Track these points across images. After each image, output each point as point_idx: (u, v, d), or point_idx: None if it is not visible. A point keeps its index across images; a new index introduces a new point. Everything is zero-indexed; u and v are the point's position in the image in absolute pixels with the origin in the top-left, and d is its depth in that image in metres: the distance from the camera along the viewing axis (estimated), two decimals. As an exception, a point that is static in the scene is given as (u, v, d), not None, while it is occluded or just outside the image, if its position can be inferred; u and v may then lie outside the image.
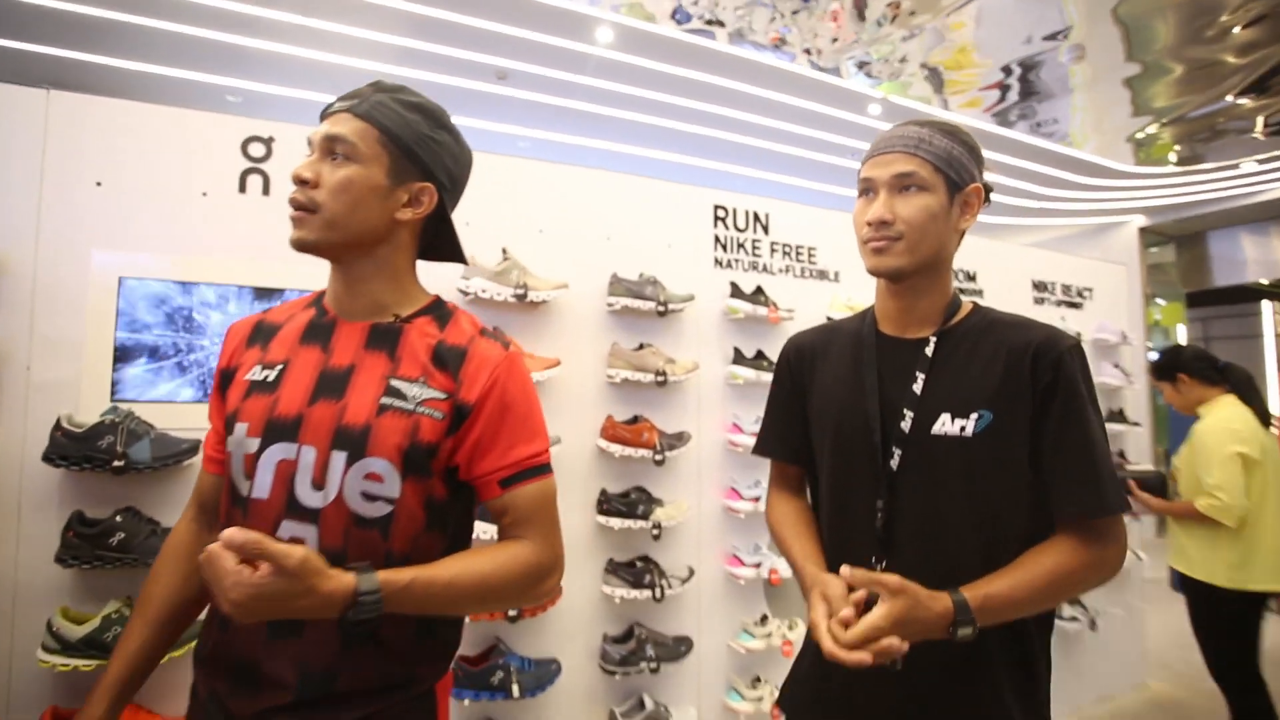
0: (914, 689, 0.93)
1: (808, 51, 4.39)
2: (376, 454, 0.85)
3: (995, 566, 0.91)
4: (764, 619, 2.29)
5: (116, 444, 1.55)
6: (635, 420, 2.12)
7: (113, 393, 1.63)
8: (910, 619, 0.81)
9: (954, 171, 0.99)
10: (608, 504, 2.06)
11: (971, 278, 3.01)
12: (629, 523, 2.05)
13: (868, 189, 1.02)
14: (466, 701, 1.81)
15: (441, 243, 1.02)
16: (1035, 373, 0.94)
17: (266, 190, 1.80)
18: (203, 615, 0.99)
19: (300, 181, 0.88)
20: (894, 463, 0.98)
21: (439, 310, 0.98)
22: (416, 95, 0.94)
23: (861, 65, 4.41)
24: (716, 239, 2.40)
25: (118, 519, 1.57)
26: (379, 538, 0.85)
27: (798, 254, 2.56)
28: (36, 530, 1.53)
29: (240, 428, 0.89)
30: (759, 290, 2.37)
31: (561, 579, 0.96)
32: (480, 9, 3.87)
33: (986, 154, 1.09)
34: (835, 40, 4.17)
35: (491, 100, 4.55)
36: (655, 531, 2.07)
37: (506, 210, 2.08)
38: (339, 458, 0.85)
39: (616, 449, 2.07)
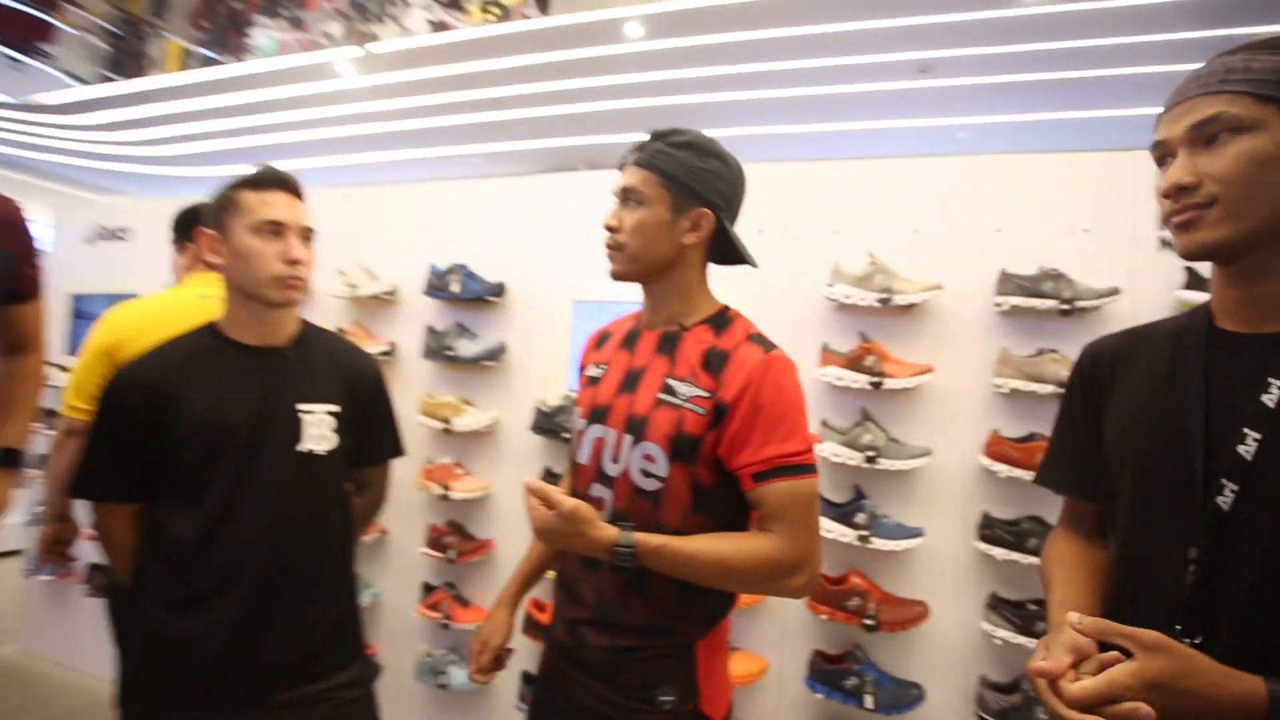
0: None
1: None
2: (651, 439, 1.02)
3: None
4: None
5: (565, 420, 2.14)
6: (1029, 438, 1.82)
7: (569, 384, 2.24)
8: (1177, 689, 0.61)
9: None
10: (990, 530, 1.82)
11: None
12: (1015, 555, 1.77)
13: (1164, 154, 0.77)
14: (820, 697, 1.86)
15: (729, 250, 1.12)
16: None
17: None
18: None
19: (609, 228, 1.09)
20: (1223, 500, 0.70)
21: (720, 318, 1.10)
22: (685, 133, 1.07)
23: None
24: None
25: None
26: (651, 508, 1.02)
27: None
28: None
29: (577, 410, 1.18)
30: (1238, 275, 1.74)
31: (812, 580, 0.98)
32: (896, 7, 3.79)
33: None
34: None
35: (915, 95, 4.37)
36: (1051, 572, 1.73)
37: (877, 214, 2.05)
38: (628, 439, 1.04)
39: (1002, 469, 1.81)
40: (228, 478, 1.17)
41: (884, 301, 1.90)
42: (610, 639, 1.05)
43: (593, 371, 1.19)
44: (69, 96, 5.98)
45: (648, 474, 1.02)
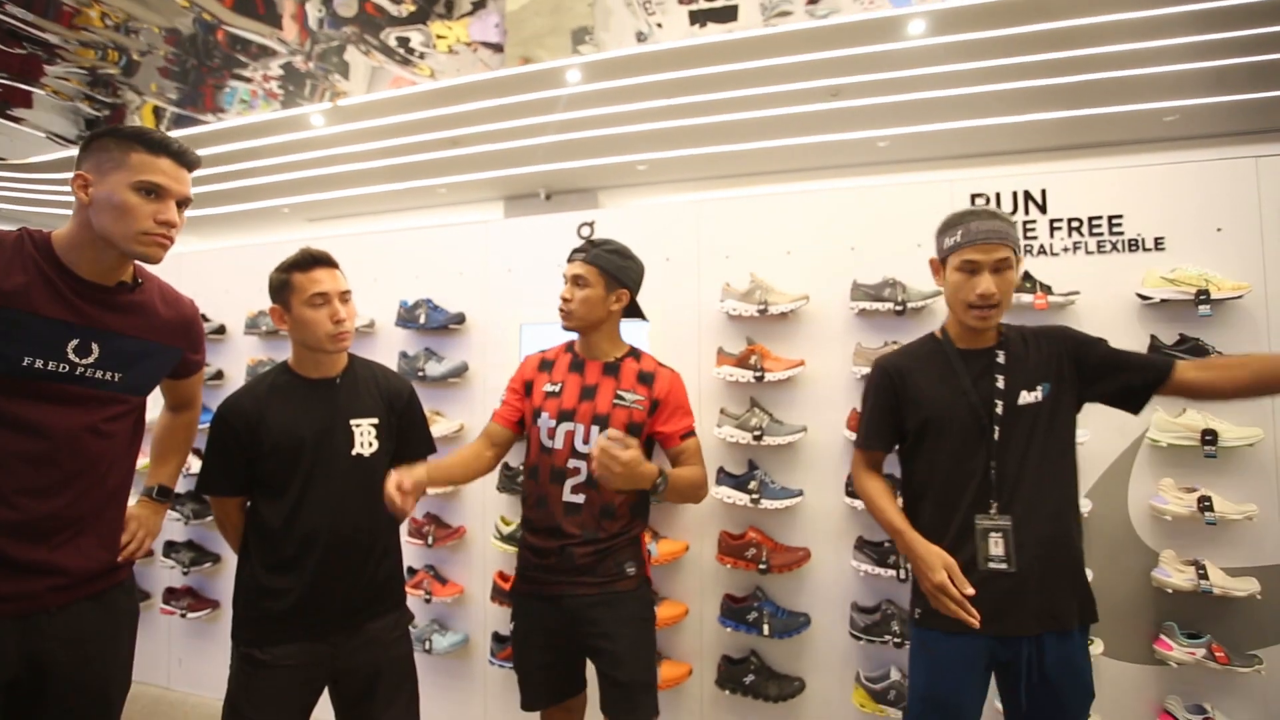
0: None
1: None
2: (612, 426, 1.72)
3: None
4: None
5: (518, 425, 2.60)
6: (879, 412, 2.30)
7: (520, 395, 2.71)
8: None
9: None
10: (851, 488, 2.30)
11: None
12: (873, 505, 2.25)
13: (973, 268, 1.51)
14: (730, 630, 2.33)
15: (633, 310, 1.91)
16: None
17: (593, 257, 2.69)
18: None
19: (565, 299, 1.80)
20: (995, 436, 1.50)
21: (634, 352, 1.90)
22: (613, 243, 1.83)
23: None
24: (976, 229, 2.35)
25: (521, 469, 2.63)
26: None
27: (1093, 227, 2.27)
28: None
29: (544, 415, 1.81)
30: (1025, 276, 2.24)
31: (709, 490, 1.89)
32: (810, 43, 4.29)
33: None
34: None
35: (827, 116, 4.88)
36: (898, 516, 2.22)
37: (759, 240, 2.53)
38: (595, 429, 1.75)
39: (859, 438, 2.29)
40: (301, 478, 1.61)
41: (762, 312, 2.38)
42: (593, 548, 1.74)
43: (549, 388, 1.84)
44: (57, 154, 6.40)
45: None
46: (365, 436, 1.70)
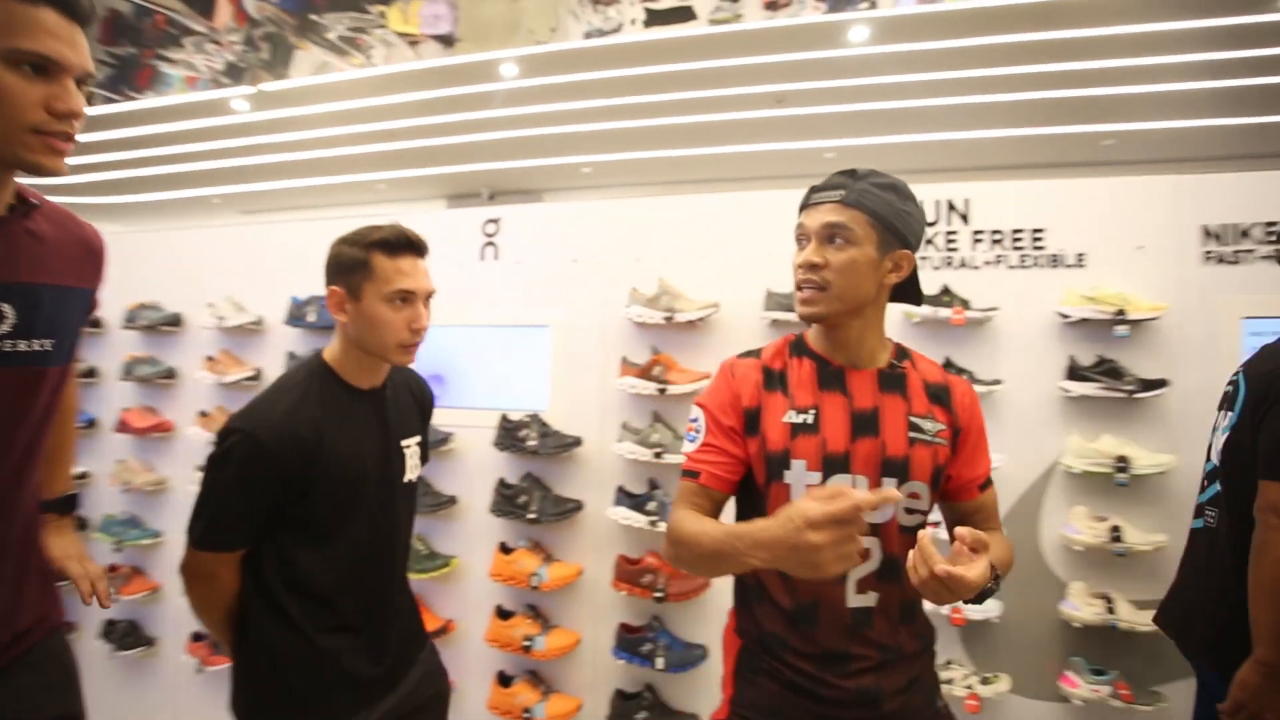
0: None
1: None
2: (916, 478, 1.04)
3: None
4: (955, 660, 2.02)
5: (529, 436, 2.30)
6: (788, 430, 2.15)
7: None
8: None
9: None
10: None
11: None
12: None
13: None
14: (623, 662, 2.15)
15: (908, 289, 1.13)
16: None
17: (496, 257, 2.50)
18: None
19: (811, 266, 1.03)
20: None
21: (903, 352, 1.15)
22: (886, 176, 1.06)
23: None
24: (894, 238, 2.23)
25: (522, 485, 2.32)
26: (912, 543, 0.93)
27: (1015, 241, 2.16)
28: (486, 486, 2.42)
29: (799, 464, 1.04)
30: (944, 290, 2.12)
31: None
32: (754, 47, 4.18)
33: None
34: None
35: (773, 124, 4.79)
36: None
37: (670, 242, 2.37)
38: (889, 483, 1.03)
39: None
40: (363, 519, 1.24)
41: (668, 319, 2.22)
42: (903, 675, 1.06)
43: (795, 417, 1.07)
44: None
45: (911, 511, 1.05)
46: (413, 459, 1.37)
